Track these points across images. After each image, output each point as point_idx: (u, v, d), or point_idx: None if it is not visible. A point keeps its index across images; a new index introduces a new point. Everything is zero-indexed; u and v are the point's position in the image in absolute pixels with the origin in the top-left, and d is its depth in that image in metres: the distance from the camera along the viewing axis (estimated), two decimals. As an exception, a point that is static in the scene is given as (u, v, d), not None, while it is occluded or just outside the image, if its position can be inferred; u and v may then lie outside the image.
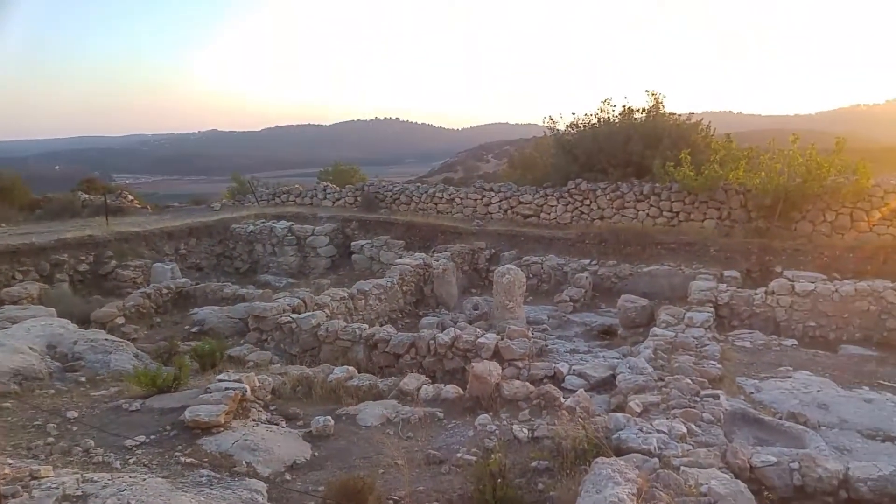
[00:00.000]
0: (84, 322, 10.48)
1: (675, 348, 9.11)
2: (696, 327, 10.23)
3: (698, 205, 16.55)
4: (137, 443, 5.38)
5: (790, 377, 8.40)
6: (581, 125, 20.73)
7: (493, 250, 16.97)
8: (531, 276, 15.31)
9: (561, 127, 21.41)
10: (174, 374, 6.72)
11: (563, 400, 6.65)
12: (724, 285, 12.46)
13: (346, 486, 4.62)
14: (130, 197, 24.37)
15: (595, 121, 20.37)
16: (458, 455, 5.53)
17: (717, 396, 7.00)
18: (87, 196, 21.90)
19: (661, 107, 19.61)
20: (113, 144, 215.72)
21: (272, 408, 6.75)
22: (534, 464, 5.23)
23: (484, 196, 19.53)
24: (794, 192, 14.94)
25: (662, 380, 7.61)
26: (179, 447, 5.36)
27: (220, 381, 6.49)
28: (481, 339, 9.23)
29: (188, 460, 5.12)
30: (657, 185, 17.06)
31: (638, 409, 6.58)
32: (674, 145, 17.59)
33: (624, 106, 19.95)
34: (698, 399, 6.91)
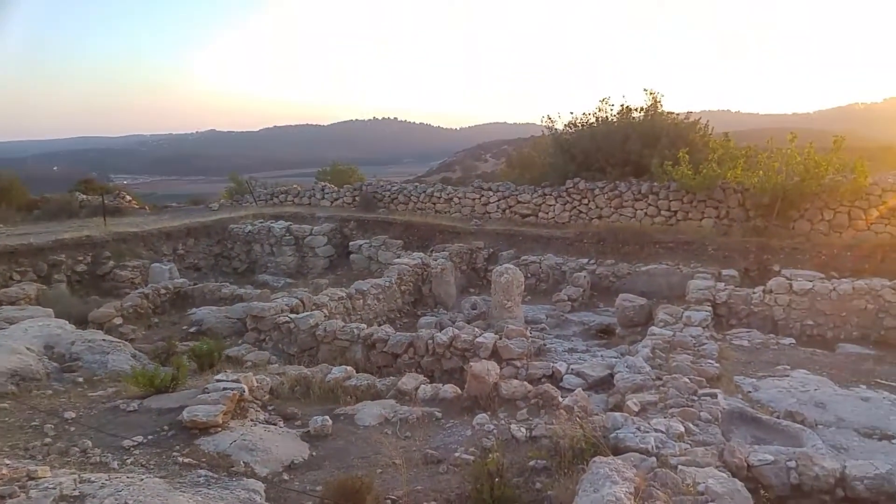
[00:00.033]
0: (82, 322, 10.47)
1: (673, 347, 9.12)
2: (694, 326, 10.24)
3: (696, 204, 16.57)
4: (135, 443, 5.38)
5: (788, 376, 8.41)
6: (579, 124, 20.74)
7: (492, 250, 16.97)
8: (529, 275, 15.32)
9: (559, 126, 21.43)
10: (172, 375, 6.71)
11: (561, 399, 6.66)
12: (722, 284, 12.47)
13: (344, 485, 4.62)
14: (128, 197, 24.35)
15: (593, 120, 20.38)
16: (456, 454, 5.53)
17: (714, 395, 7.01)
18: (84, 196, 21.87)
19: (659, 106, 19.62)
20: (111, 145, 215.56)
21: (270, 408, 6.75)
22: (532, 463, 5.23)
23: (482, 195, 19.54)
24: (792, 191, 14.95)
25: (660, 379, 7.62)
26: (177, 447, 5.36)
27: (218, 381, 6.48)
28: (479, 339, 9.23)
29: (186, 460, 5.12)
30: (655, 184, 17.07)
31: (636, 409, 6.58)
32: (672, 144, 17.61)
33: (622, 105, 19.98)
34: (696, 398, 6.92)
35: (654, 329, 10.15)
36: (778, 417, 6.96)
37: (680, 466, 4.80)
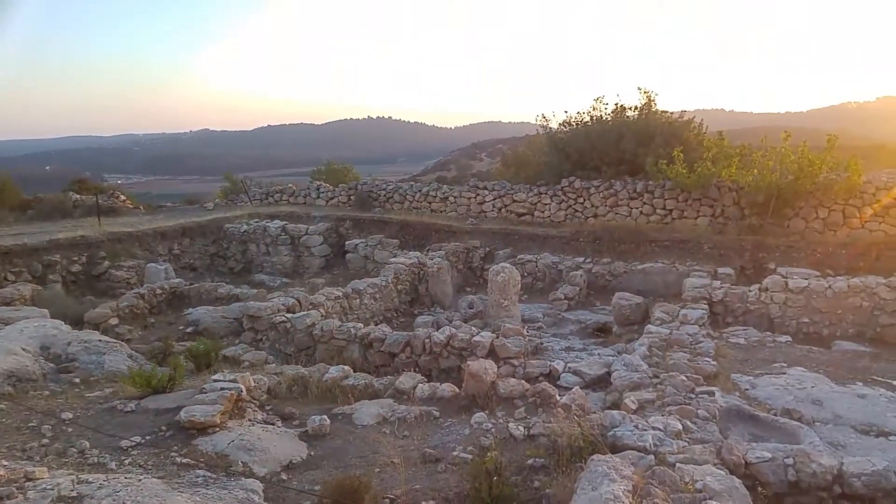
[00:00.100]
0: (77, 323, 10.43)
1: (670, 345, 9.14)
2: (691, 324, 10.27)
3: (691, 202, 16.61)
4: (133, 443, 5.36)
5: (784, 373, 8.45)
6: (574, 123, 20.74)
7: (488, 249, 16.98)
8: (526, 274, 15.33)
9: (554, 125, 21.44)
10: (169, 375, 6.70)
11: (558, 398, 6.66)
12: (718, 282, 12.50)
13: (343, 485, 4.61)
14: (123, 197, 24.25)
15: (588, 119, 20.39)
16: (454, 453, 5.53)
17: (711, 393, 7.04)
18: (78, 196, 21.78)
19: (653, 105, 19.64)
20: (104, 144, 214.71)
21: (268, 408, 6.73)
22: (530, 461, 5.23)
23: (478, 195, 19.54)
24: (786, 190, 15.01)
25: (657, 377, 7.64)
26: (175, 448, 5.35)
27: (216, 381, 6.46)
28: (476, 338, 9.24)
29: (184, 461, 5.11)
30: (650, 182, 17.11)
31: (633, 407, 6.60)
32: (666, 143, 17.63)
33: (616, 104, 19.98)
34: (693, 396, 6.95)
35: (650, 327, 10.18)
36: (775, 415, 6.99)
37: (678, 464, 4.81)
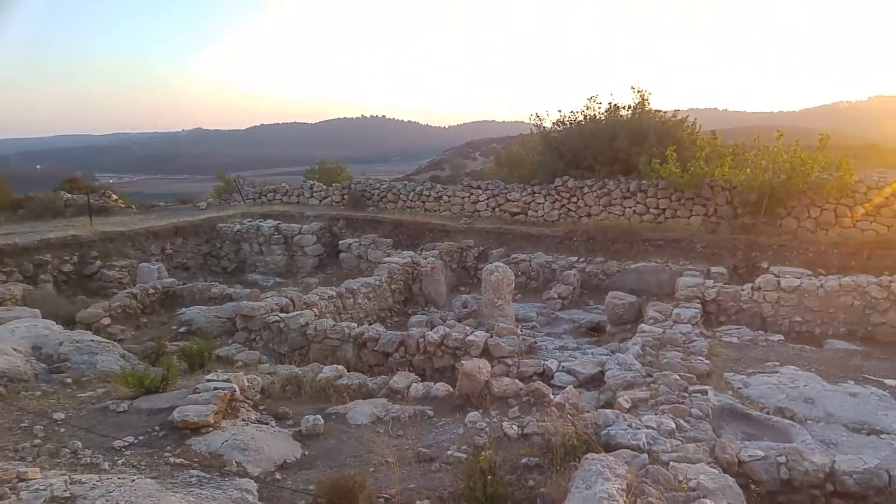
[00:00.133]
0: (69, 323, 10.37)
1: (663, 344, 9.17)
2: (684, 323, 10.31)
3: (684, 201, 16.67)
4: (126, 444, 5.34)
5: (777, 372, 8.49)
6: (567, 122, 20.78)
7: (482, 248, 16.99)
8: (519, 273, 15.35)
9: (547, 124, 21.47)
10: (162, 375, 6.67)
11: (552, 397, 6.67)
12: (711, 281, 12.56)
13: (337, 484, 4.61)
14: (115, 196, 24.11)
15: (581, 118, 20.43)
16: (449, 452, 5.53)
17: (705, 392, 7.06)
18: (70, 195, 21.63)
19: (646, 104, 19.70)
20: (96, 143, 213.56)
21: (262, 407, 6.71)
22: (524, 460, 5.24)
23: (471, 194, 19.55)
24: (778, 189, 15.08)
25: (651, 376, 7.66)
26: (168, 448, 5.33)
27: (209, 380, 6.44)
28: (470, 337, 9.24)
29: (177, 461, 5.09)
30: (643, 182, 17.16)
31: (627, 405, 6.61)
32: (660, 142, 17.68)
33: (610, 103, 20.03)
34: (686, 395, 6.97)
35: (643, 326, 10.21)
36: (768, 413, 7.03)
37: (671, 463, 4.82)
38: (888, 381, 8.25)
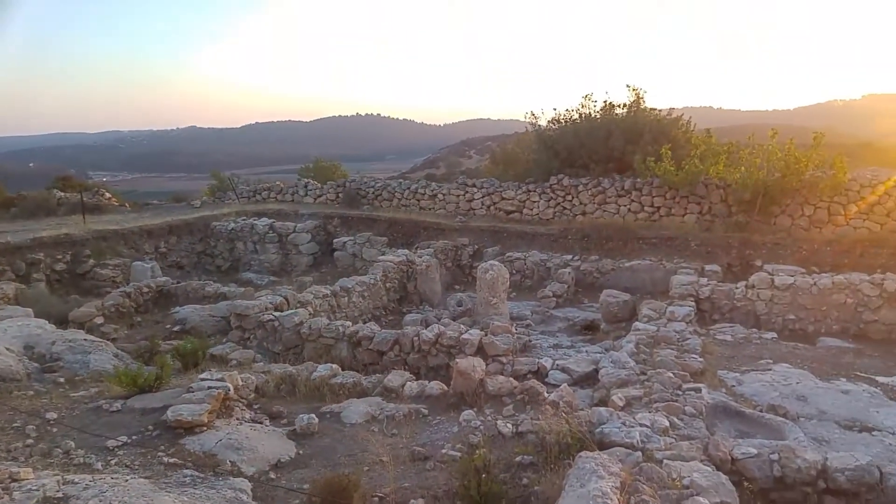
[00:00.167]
0: (62, 322, 10.33)
1: (657, 342, 9.19)
2: (678, 321, 10.34)
3: (679, 200, 16.70)
4: (119, 443, 5.32)
5: (770, 370, 8.52)
6: (562, 120, 20.78)
7: (477, 246, 16.99)
8: (514, 272, 15.36)
9: (543, 122, 21.47)
10: (156, 374, 6.65)
11: (546, 395, 6.68)
12: (705, 279, 12.59)
13: (331, 483, 4.61)
14: (108, 194, 23.99)
15: (576, 116, 20.44)
16: (443, 451, 5.54)
17: (698, 390, 7.08)
18: (62, 194, 21.52)
19: (641, 102, 19.72)
20: (89, 141, 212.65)
21: (256, 406, 6.70)
22: (518, 458, 5.25)
23: (466, 192, 19.54)
24: (773, 187, 15.13)
25: (645, 374, 7.69)
26: (162, 447, 5.32)
27: (203, 380, 6.43)
28: (465, 336, 9.24)
29: (171, 460, 5.08)
30: (638, 180, 17.18)
31: (621, 403, 6.63)
32: (654, 140, 17.71)
33: (605, 101, 20.03)
34: (680, 392, 6.99)
35: (638, 324, 10.24)
36: (761, 411, 7.05)
37: (665, 461, 4.84)
38: (880, 379, 8.30)
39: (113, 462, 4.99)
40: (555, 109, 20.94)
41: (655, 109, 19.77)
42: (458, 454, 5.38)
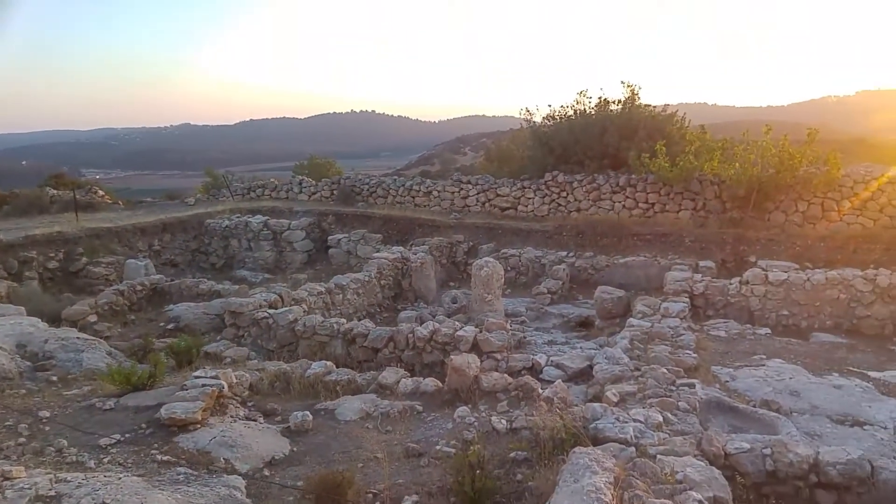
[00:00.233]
0: (55, 320, 10.28)
1: (652, 338, 9.21)
2: (672, 317, 10.36)
3: (673, 196, 16.73)
4: (112, 441, 5.31)
5: (763, 365, 8.56)
6: (557, 117, 20.80)
7: (471, 243, 16.99)
8: (509, 268, 15.36)
9: (537, 119, 21.48)
10: (149, 372, 6.63)
11: (540, 391, 6.69)
12: (700, 275, 12.62)
13: (326, 480, 4.60)
14: (101, 192, 23.86)
15: (571, 113, 20.45)
16: (438, 447, 5.54)
17: (692, 385, 7.10)
18: (55, 191, 21.39)
19: (636, 98, 19.75)
20: (82, 139, 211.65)
21: (250, 404, 6.69)
22: (512, 454, 5.26)
23: (461, 189, 19.54)
24: (767, 183, 15.17)
25: (639, 370, 7.70)
26: (155, 445, 5.30)
27: (197, 377, 6.41)
28: (460, 332, 9.24)
29: (165, 458, 5.06)
30: (633, 176, 17.21)
31: (615, 399, 6.64)
32: (649, 137, 17.74)
33: (600, 98, 20.07)
34: (674, 388, 7.01)
35: (632, 321, 10.26)
36: (754, 406, 7.08)
37: (659, 456, 4.85)
38: (872, 374, 8.35)
39: (106, 460, 4.97)
40: (549, 106, 20.97)
41: (650, 106, 19.82)
42: (453, 450, 5.38)
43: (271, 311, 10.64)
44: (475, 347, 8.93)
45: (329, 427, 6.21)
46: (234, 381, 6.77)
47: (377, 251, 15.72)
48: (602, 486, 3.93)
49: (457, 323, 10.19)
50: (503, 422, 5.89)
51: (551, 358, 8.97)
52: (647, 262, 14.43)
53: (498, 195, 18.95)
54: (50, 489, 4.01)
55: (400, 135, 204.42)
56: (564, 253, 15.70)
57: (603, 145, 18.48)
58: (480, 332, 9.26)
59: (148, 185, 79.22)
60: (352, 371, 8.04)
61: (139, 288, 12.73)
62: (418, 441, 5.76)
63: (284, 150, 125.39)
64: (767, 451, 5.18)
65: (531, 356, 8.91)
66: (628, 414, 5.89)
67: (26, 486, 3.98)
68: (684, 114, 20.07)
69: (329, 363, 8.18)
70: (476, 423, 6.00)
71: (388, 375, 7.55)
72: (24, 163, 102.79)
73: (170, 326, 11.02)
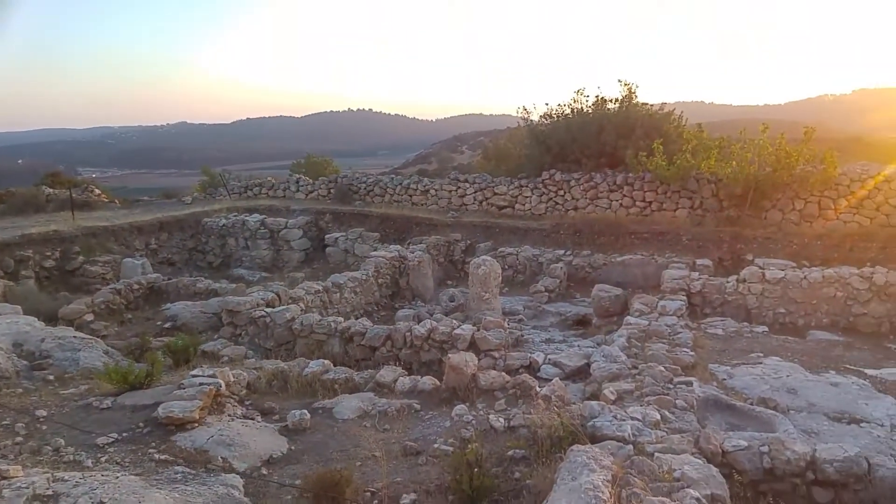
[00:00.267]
0: (51, 319, 10.24)
1: (649, 336, 9.22)
2: (669, 315, 10.37)
3: (671, 194, 16.75)
4: (109, 440, 5.29)
5: (761, 363, 8.57)
6: (554, 115, 20.80)
7: (469, 242, 16.99)
8: (507, 267, 15.37)
9: (535, 117, 21.48)
10: (146, 371, 6.62)
11: (538, 389, 6.69)
12: (697, 274, 12.64)
13: (324, 478, 4.60)
14: (97, 191, 23.80)
15: (568, 111, 20.45)
16: (435, 446, 5.54)
17: (689, 383, 7.11)
18: (51, 190, 21.33)
19: (633, 97, 19.76)
20: (78, 137, 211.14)
21: (247, 403, 6.69)
22: (510, 452, 5.26)
23: (459, 187, 19.53)
24: (764, 182, 15.20)
25: (636, 368, 7.71)
26: (153, 444, 5.29)
27: (194, 376, 6.40)
28: (457, 331, 9.25)
29: (162, 457, 5.05)
30: (630, 175, 17.22)
31: (612, 397, 6.65)
32: (646, 135, 17.75)
33: (597, 96, 20.07)
34: (671, 386, 7.02)
35: (629, 319, 10.27)
36: (751, 404, 7.09)
37: (656, 454, 4.86)
38: (869, 371, 8.37)
39: (103, 459, 4.96)
40: (546, 104, 20.96)
41: (647, 104, 19.83)
42: (451, 449, 5.38)
43: (269, 309, 10.63)
44: (473, 346, 8.94)
45: (327, 425, 6.21)
46: (232, 379, 6.77)
47: (374, 250, 15.71)
48: (600, 483, 3.94)
49: (454, 321, 10.20)
50: (501, 420, 5.89)
51: (549, 356, 8.98)
52: (645, 260, 14.45)
53: (495, 194, 18.95)
54: (47, 488, 4.00)
55: (397, 133, 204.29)
56: (562, 251, 15.71)
57: (600, 144, 18.49)
58: (478, 330, 9.27)
59: (145, 183, 79.05)
60: (349, 370, 8.03)
61: (136, 287, 12.70)
62: (416, 439, 5.76)
63: (281, 149, 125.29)
64: (765, 448, 5.19)
65: (529, 354, 8.92)
66: (626, 412, 5.89)
67: (23, 486, 3.97)
68: (681, 112, 20.09)
69: (327, 362, 8.17)
70: (474, 422, 6.00)
71: (386, 374, 7.55)
72: (20, 161, 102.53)
73: (167, 325, 11.00)
